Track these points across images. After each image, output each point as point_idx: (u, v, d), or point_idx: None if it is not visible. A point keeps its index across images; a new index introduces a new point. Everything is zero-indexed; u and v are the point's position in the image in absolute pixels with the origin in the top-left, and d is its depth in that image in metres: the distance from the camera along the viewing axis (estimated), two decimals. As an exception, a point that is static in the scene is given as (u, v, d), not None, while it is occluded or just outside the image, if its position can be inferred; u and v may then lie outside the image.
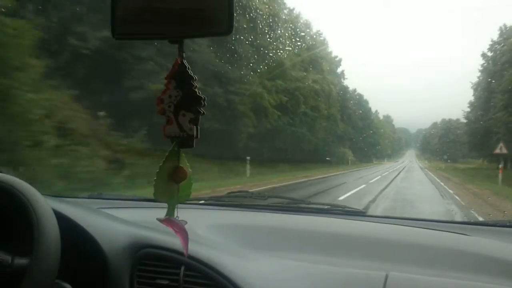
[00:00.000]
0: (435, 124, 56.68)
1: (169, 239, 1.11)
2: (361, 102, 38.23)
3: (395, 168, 28.79)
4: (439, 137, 49.84)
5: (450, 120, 48.95)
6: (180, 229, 0.68)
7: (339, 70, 32.20)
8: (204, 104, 0.63)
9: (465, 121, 30.55)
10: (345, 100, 31.63)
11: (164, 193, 0.65)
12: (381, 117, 52.52)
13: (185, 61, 0.63)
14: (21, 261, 0.88)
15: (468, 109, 29.26)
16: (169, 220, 0.67)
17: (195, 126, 0.63)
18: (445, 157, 38.40)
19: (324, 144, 25.32)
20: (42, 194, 0.96)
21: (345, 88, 33.53)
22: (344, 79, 33.00)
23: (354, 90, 37.83)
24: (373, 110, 48.49)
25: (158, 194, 0.65)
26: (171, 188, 0.65)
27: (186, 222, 0.68)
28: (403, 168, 30.17)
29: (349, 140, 32.90)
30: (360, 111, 36.46)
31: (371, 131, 38.51)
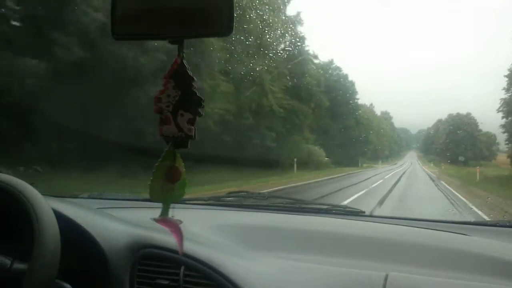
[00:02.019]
0: (439, 121, 46.28)
1: (169, 239, 1.11)
2: (339, 80, 25.65)
3: (381, 180, 15.19)
4: (446, 134, 40.29)
5: (459, 114, 39.74)
6: (175, 228, 0.68)
7: (292, 11, 17.87)
8: (203, 105, 0.63)
9: (505, 96, 19.13)
10: (302, 65, 17.02)
11: (159, 193, 0.65)
12: (378, 113, 43.92)
13: (184, 61, 0.63)
14: (20, 265, 0.88)
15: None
16: (164, 219, 0.67)
17: (192, 127, 0.63)
18: (462, 158, 29.47)
19: (248, 133, 13.59)
20: (43, 194, 0.96)
21: (301, 39, 17.43)
22: (300, 24, 17.09)
23: (331, 62, 25.24)
24: (367, 103, 38.34)
25: (153, 194, 0.65)
26: (166, 187, 0.65)
27: (182, 222, 0.67)
28: (399, 179, 16.59)
29: (316, 132, 20.93)
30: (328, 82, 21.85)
31: (359, 125, 28.20)
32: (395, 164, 41.43)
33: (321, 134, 22.02)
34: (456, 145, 37.08)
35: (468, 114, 39.70)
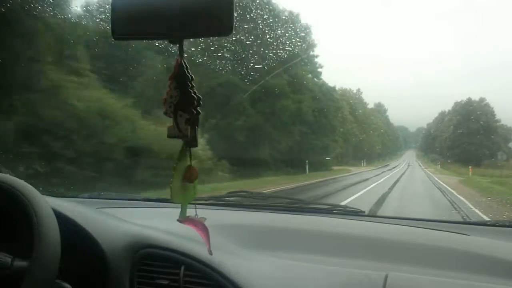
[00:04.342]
0: (443, 113, 36.02)
1: (169, 239, 1.11)
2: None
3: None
4: (453, 126, 29.37)
5: (470, 101, 28.61)
6: (202, 226, 0.69)
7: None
8: (200, 104, 0.63)
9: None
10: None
11: (181, 194, 0.66)
12: (371, 105, 36.09)
13: (184, 61, 0.63)
14: (20, 263, 0.88)
15: None
16: (189, 219, 0.68)
17: (189, 127, 0.63)
18: (504, 156, 20.09)
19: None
20: (43, 194, 0.96)
21: None
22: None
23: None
24: (354, 89, 30.36)
25: (175, 195, 0.66)
26: (185, 188, 0.66)
27: (206, 219, 0.68)
28: None
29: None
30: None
31: (301, 91, 15.14)
32: (387, 165, 28.32)
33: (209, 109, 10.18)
34: (468, 140, 26.86)
35: (482, 100, 28.41)
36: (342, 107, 22.13)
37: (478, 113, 27.88)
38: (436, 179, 15.49)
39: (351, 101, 27.30)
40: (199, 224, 0.69)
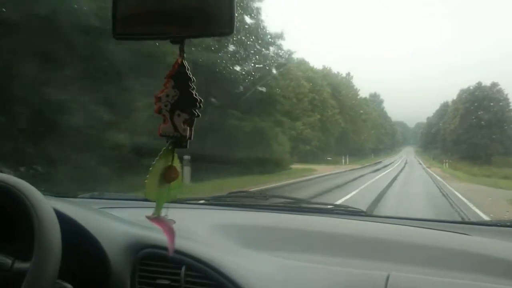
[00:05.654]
0: (445, 105, 32.10)
1: None
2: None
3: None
4: (460, 117, 24.48)
5: (480, 86, 23.78)
6: (168, 228, 0.68)
7: None
8: (200, 106, 0.63)
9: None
10: None
11: (155, 192, 0.66)
12: (366, 95, 32.21)
13: (185, 62, 0.63)
14: (21, 265, 0.88)
15: None
16: (157, 218, 0.67)
17: (188, 127, 0.63)
18: None
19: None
20: (43, 194, 0.96)
21: None
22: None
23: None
24: (344, 73, 25.78)
25: (149, 193, 0.66)
26: (161, 186, 0.65)
27: (175, 222, 0.68)
28: None
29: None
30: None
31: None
32: (378, 163, 22.86)
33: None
34: (477, 133, 22.55)
35: (494, 86, 23.66)
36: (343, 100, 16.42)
37: (490, 100, 22.81)
38: (458, 195, 9.11)
39: (337, 77, 20.66)
40: (166, 225, 0.68)
